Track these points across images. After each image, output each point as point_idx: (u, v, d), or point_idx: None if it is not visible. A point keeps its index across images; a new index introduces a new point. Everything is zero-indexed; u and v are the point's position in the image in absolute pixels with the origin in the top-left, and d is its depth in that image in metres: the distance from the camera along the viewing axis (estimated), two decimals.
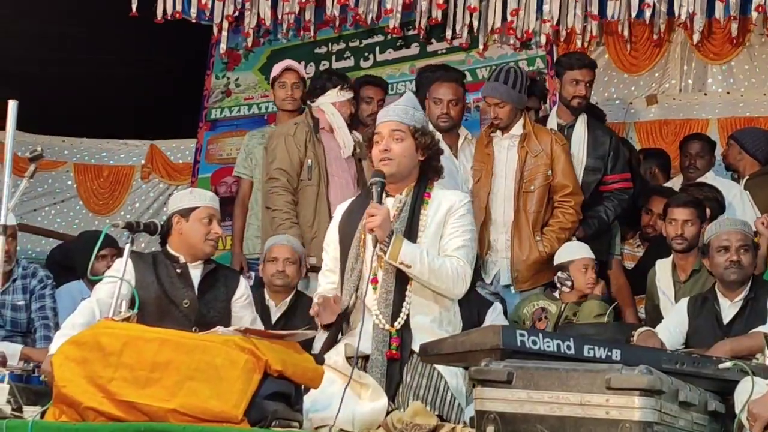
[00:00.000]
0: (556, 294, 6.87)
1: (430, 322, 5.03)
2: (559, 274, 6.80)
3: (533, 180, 6.96)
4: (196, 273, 5.75)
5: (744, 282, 5.94)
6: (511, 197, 6.99)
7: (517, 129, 7.03)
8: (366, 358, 4.92)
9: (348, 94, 7.34)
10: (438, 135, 6.97)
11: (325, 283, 5.30)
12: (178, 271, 5.69)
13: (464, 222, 5.13)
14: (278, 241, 6.83)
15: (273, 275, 6.73)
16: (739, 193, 7.51)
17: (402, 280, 5.01)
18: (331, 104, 7.28)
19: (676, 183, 7.99)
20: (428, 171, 5.21)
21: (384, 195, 5.05)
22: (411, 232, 5.04)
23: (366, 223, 4.96)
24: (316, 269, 6.73)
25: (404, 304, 4.99)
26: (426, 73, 8.12)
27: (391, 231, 4.93)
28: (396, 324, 4.96)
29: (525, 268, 6.92)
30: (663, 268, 6.81)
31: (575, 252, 6.82)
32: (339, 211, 5.36)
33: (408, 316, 4.99)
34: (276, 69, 7.86)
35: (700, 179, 7.72)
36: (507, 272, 7.00)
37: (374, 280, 5.01)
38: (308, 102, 7.43)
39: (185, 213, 5.71)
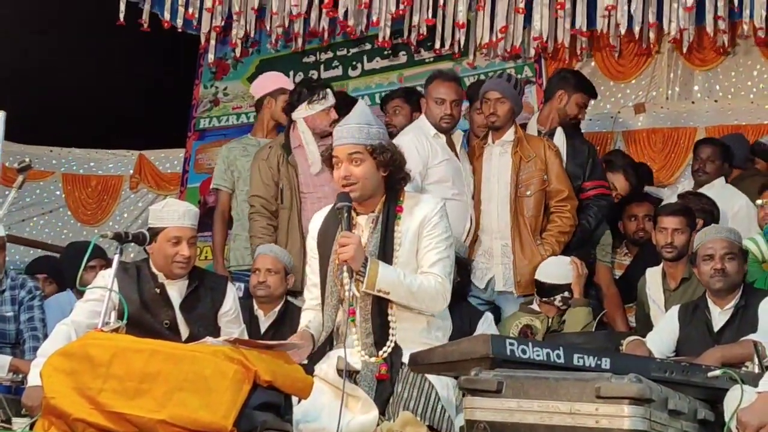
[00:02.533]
0: (534, 307, 6.84)
1: (418, 332, 4.98)
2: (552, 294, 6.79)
3: (529, 185, 6.96)
4: (177, 291, 5.70)
5: (732, 290, 5.94)
6: (505, 203, 6.98)
7: (509, 135, 7.04)
8: (357, 371, 4.89)
9: (320, 106, 7.11)
10: (441, 136, 7.02)
11: (309, 299, 5.19)
12: (157, 290, 5.65)
13: (438, 231, 5.01)
14: (261, 251, 6.80)
15: (255, 286, 6.70)
16: (745, 204, 7.45)
17: (381, 302, 4.92)
18: (302, 120, 7.13)
19: (686, 186, 7.95)
20: (395, 183, 5.07)
21: (354, 216, 4.98)
22: (386, 250, 4.96)
23: (338, 254, 4.87)
24: (293, 293, 6.80)
25: (390, 331, 4.92)
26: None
27: (365, 259, 4.84)
28: (381, 353, 4.89)
29: (528, 273, 6.88)
30: (653, 276, 6.81)
31: (567, 274, 6.80)
32: (314, 223, 5.23)
33: (394, 341, 4.92)
34: (269, 85, 7.80)
35: (707, 186, 7.68)
36: (503, 278, 7.00)
37: (351, 312, 4.93)
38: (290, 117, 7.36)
39: (154, 232, 5.63)
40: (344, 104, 7.56)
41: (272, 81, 7.86)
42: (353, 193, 4.95)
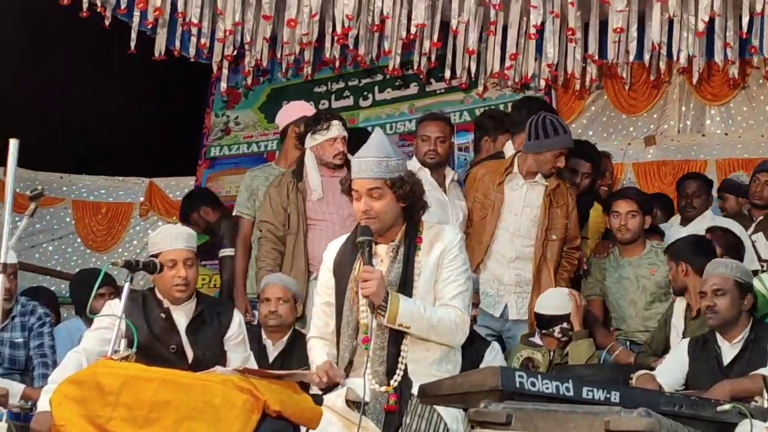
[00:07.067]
0: (536, 340, 6.86)
1: (429, 364, 4.93)
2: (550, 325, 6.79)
3: (555, 230, 7.05)
4: (182, 316, 5.71)
5: (731, 324, 5.89)
6: (520, 234, 7.05)
7: (542, 178, 7.08)
8: (366, 402, 4.87)
9: (321, 137, 7.06)
10: (425, 170, 7.09)
11: (319, 327, 5.12)
12: (163, 315, 5.67)
13: (458, 263, 4.99)
14: (270, 280, 6.80)
15: (266, 316, 6.70)
16: (738, 234, 7.47)
17: (397, 332, 4.87)
18: (309, 149, 7.14)
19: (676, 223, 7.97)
20: (413, 213, 5.04)
21: (374, 249, 4.93)
22: (406, 280, 4.92)
23: (361, 290, 4.83)
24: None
25: (399, 359, 4.88)
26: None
27: (386, 293, 4.81)
28: (392, 382, 4.85)
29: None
30: (680, 303, 6.74)
31: (565, 305, 6.80)
32: (329, 253, 5.17)
33: (405, 371, 4.88)
34: (293, 114, 7.72)
35: (698, 219, 7.70)
36: (516, 306, 7.07)
37: (365, 340, 4.89)
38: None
39: (154, 258, 5.63)
40: (359, 139, 7.62)
41: (296, 110, 7.85)
42: (373, 226, 4.91)
